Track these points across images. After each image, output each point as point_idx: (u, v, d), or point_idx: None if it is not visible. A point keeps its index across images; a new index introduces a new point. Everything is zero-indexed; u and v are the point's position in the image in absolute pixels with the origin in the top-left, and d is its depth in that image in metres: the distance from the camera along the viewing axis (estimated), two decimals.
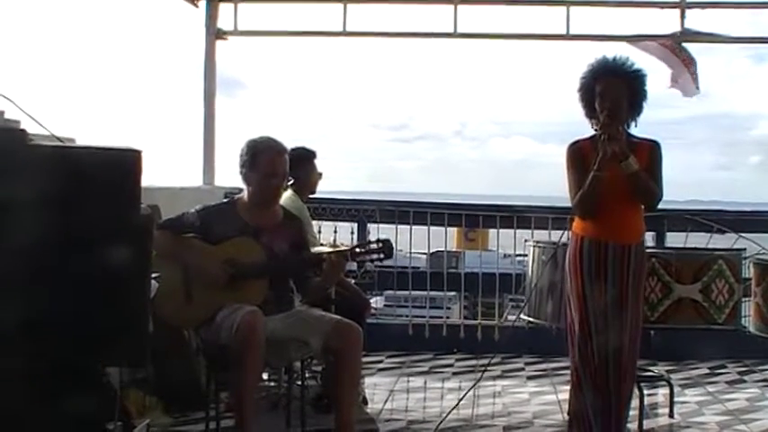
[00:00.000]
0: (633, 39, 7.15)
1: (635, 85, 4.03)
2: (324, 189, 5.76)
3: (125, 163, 2.70)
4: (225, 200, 4.48)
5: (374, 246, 4.08)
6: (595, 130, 4.00)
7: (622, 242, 3.99)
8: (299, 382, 4.57)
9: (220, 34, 7.19)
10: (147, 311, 2.85)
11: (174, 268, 4.05)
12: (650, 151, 4.01)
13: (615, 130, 3.87)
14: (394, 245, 4.24)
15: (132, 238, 2.71)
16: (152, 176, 4.93)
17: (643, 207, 4.08)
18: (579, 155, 4.03)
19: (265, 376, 5.12)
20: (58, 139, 3.01)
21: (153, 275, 3.34)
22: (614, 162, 3.86)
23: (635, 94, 4.02)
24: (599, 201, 3.92)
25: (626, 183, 3.89)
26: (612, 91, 3.94)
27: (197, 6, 7.05)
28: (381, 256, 4.07)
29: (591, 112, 4.04)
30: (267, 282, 4.11)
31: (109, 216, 2.67)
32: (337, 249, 4.35)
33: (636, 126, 4.07)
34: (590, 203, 3.94)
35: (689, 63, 7.22)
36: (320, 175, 5.45)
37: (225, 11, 7.17)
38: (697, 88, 7.25)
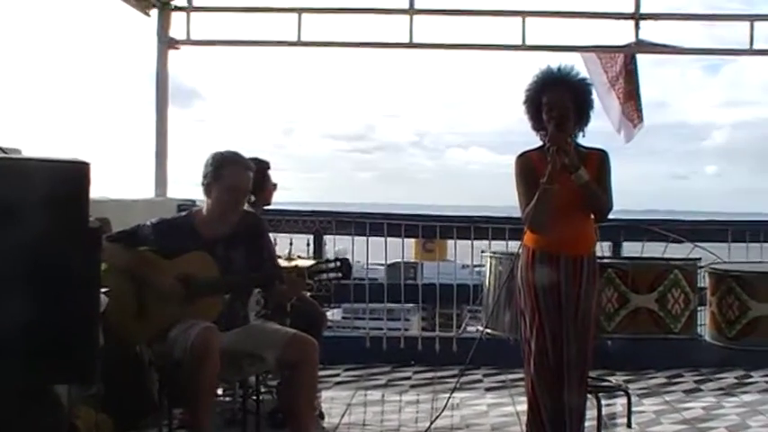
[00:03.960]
0: (589, 49, 7.19)
1: (581, 95, 4.00)
2: (279, 200, 5.69)
3: (73, 175, 2.63)
4: (182, 213, 4.38)
5: (332, 265, 4.06)
6: (544, 141, 3.97)
7: (574, 254, 3.95)
8: (255, 397, 4.50)
9: (173, 43, 7.10)
10: (96, 326, 2.78)
11: (126, 282, 3.97)
12: (599, 161, 3.97)
13: (564, 141, 3.83)
14: (351, 257, 4.24)
15: (81, 252, 2.64)
16: (104, 188, 4.84)
17: (593, 218, 4.06)
18: (528, 166, 3.99)
19: (220, 391, 5.05)
20: (3, 150, 2.94)
21: (103, 289, 3.27)
22: (564, 174, 3.82)
23: (581, 103, 3.98)
24: (550, 213, 3.87)
25: (576, 194, 3.84)
26: (559, 101, 3.90)
27: (149, 15, 6.95)
28: (339, 275, 4.06)
29: (538, 125, 4.00)
30: (222, 297, 4.04)
31: (56, 229, 2.60)
32: (295, 266, 4.31)
33: (584, 136, 4.04)
34: (541, 217, 3.85)
35: (629, 96, 7.25)
36: (275, 186, 5.38)
37: (177, 20, 7.09)
38: (634, 127, 7.35)
